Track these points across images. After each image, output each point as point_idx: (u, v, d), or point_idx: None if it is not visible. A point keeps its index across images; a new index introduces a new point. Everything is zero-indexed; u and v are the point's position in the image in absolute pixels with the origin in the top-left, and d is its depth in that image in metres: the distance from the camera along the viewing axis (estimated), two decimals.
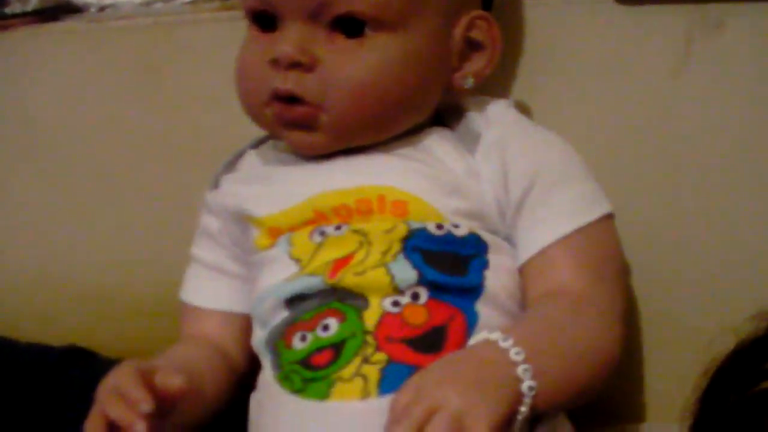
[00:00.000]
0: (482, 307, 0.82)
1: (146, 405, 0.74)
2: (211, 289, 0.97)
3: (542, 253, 0.85)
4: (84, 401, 0.79)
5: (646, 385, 1.02)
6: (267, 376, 0.86)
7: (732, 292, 0.96)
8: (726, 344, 0.81)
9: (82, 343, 1.13)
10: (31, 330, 1.16)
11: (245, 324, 0.94)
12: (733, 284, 0.96)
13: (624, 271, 0.93)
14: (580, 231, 0.85)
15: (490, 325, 0.80)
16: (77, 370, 1.08)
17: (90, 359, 1.11)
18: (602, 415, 0.98)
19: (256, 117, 0.91)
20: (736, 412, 0.74)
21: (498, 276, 0.84)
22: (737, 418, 0.74)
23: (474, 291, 0.83)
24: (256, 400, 0.88)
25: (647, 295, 0.99)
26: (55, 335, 1.14)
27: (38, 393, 1.06)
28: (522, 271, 0.87)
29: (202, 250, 0.98)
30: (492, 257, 0.85)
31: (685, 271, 0.99)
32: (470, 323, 0.81)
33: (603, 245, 0.88)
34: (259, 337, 0.89)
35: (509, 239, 0.88)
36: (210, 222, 0.97)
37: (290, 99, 0.86)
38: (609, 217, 0.88)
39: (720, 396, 0.77)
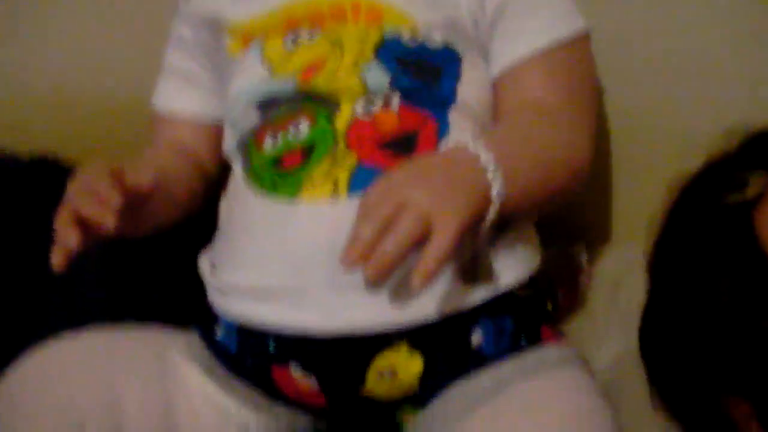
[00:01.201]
0: (454, 116, 0.82)
1: (116, 201, 0.74)
2: (183, 96, 0.96)
3: (516, 65, 0.85)
4: (53, 210, 0.78)
5: (612, 207, 1.03)
6: (237, 178, 0.86)
7: (702, 110, 0.96)
8: (696, 161, 0.81)
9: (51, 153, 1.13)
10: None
11: (217, 132, 0.94)
12: (702, 102, 0.96)
13: (597, 90, 0.93)
14: (555, 46, 0.85)
15: (462, 134, 0.80)
16: (46, 179, 1.08)
17: (59, 169, 1.10)
18: (568, 237, 0.99)
19: None
20: (704, 224, 0.75)
21: (471, 88, 0.84)
22: (705, 229, 0.75)
23: (446, 100, 0.82)
24: (226, 203, 0.89)
25: (616, 116, 0.99)
26: (25, 145, 1.13)
27: (6, 201, 1.06)
28: (496, 84, 0.86)
29: (175, 58, 0.97)
30: (465, 69, 0.85)
31: (653, 89, 0.98)
32: (441, 131, 0.81)
33: (578, 62, 0.87)
34: (230, 141, 0.89)
35: (484, 54, 0.87)
36: (183, 31, 0.96)
37: None
38: (584, 36, 0.87)
39: (688, 209, 0.78)
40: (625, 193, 1.02)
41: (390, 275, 0.71)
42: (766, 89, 0.92)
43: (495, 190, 0.73)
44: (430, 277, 0.69)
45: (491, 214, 0.73)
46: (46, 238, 0.78)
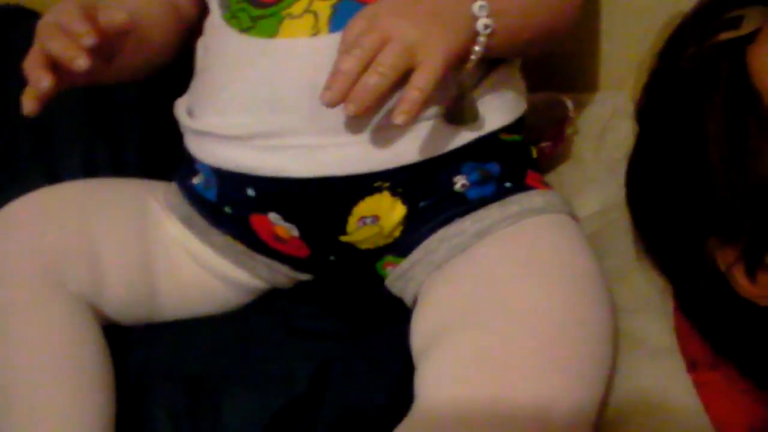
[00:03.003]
0: None
1: (89, 38, 0.71)
2: None
3: None
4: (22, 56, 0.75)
5: (601, 53, 1.01)
6: (214, 17, 0.83)
7: None
8: (689, 2, 0.79)
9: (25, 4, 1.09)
10: None
11: None
12: None
13: None
14: None
15: None
16: (20, 28, 1.04)
17: (34, 18, 1.07)
18: (555, 85, 0.97)
19: None
20: (694, 64, 0.73)
21: None
22: (695, 69, 0.73)
23: None
24: (202, 44, 0.86)
25: None
26: None
27: None
28: None
29: None
30: None
31: None
32: None
33: None
34: None
35: None
36: None
37: None
38: None
39: (679, 49, 0.75)
40: (616, 39, 1.00)
41: (372, 110, 0.69)
42: None
43: (481, 23, 0.70)
44: (412, 112, 0.67)
45: (478, 47, 0.71)
46: (17, 85, 0.75)
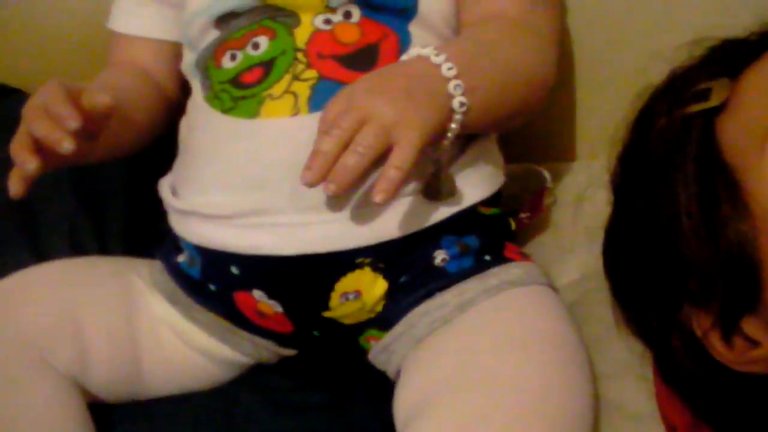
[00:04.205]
0: (415, 29, 0.81)
1: (73, 121, 0.72)
2: (140, 16, 0.93)
3: None
4: (8, 137, 0.76)
5: (576, 124, 1.03)
6: (196, 98, 0.85)
7: (667, 25, 0.95)
8: (661, 77, 0.81)
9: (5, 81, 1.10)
10: None
11: (175, 52, 0.92)
12: (668, 16, 0.95)
13: (560, 3, 0.92)
14: None
15: (423, 47, 0.78)
16: (1, 106, 1.06)
17: (14, 95, 1.08)
18: (531, 156, 0.99)
19: None
20: (666, 135, 0.74)
21: (432, 0, 0.82)
22: (666, 140, 0.74)
23: (407, 12, 0.81)
24: (185, 123, 0.87)
25: (580, 34, 0.98)
26: None
27: None
28: None
29: None
30: None
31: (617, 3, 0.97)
32: (403, 43, 0.80)
33: None
34: (188, 60, 0.87)
35: None
36: None
37: None
38: None
39: (651, 120, 0.77)
40: (589, 110, 1.01)
41: (351, 190, 0.71)
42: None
43: (457, 101, 0.72)
44: (391, 191, 0.68)
45: (453, 125, 0.73)
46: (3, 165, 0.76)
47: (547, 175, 0.93)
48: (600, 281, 0.83)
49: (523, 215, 0.91)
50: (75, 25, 1.09)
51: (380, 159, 0.69)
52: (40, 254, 0.95)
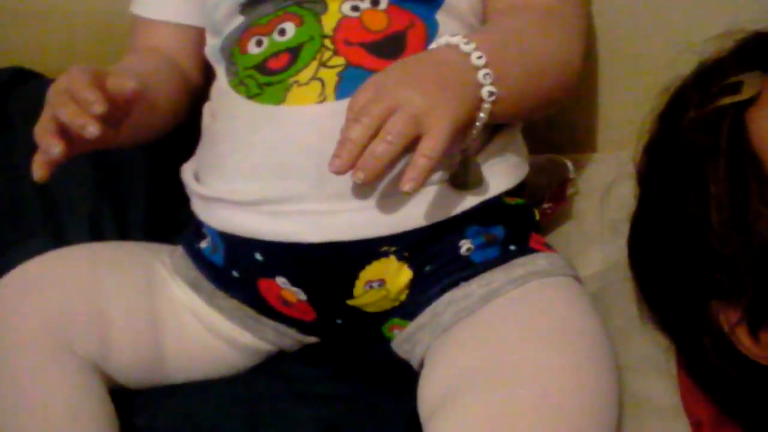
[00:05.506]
0: (442, 17, 0.80)
1: (99, 106, 0.72)
2: (163, 0, 0.93)
3: None
4: (31, 121, 0.76)
5: (599, 117, 1.02)
6: (221, 84, 0.85)
7: (696, 14, 0.94)
8: (689, 66, 0.80)
9: (27, 65, 1.10)
10: None
11: (199, 37, 0.91)
12: (696, 5, 0.95)
13: None
14: None
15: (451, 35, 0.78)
16: (23, 90, 1.05)
17: (36, 80, 1.08)
18: (556, 146, 0.99)
19: None
20: (695, 127, 0.74)
21: None
22: (696, 133, 0.74)
23: (434, 0, 0.80)
24: (209, 109, 0.87)
25: (606, 25, 0.98)
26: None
27: None
28: None
29: None
30: None
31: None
32: (430, 32, 0.79)
33: None
34: (212, 46, 0.87)
35: None
36: None
37: None
38: None
39: (680, 112, 0.77)
40: (614, 100, 1.01)
41: (379, 179, 0.70)
42: None
43: (486, 90, 0.72)
44: (420, 180, 0.68)
45: (482, 114, 0.72)
46: (21, 146, 0.76)
47: (570, 165, 0.93)
48: (623, 273, 0.83)
49: (546, 205, 0.90)
50: (97, 10, 1.09)
51: (409, 148, 0.69)
52: (62, 236, 0.95)
